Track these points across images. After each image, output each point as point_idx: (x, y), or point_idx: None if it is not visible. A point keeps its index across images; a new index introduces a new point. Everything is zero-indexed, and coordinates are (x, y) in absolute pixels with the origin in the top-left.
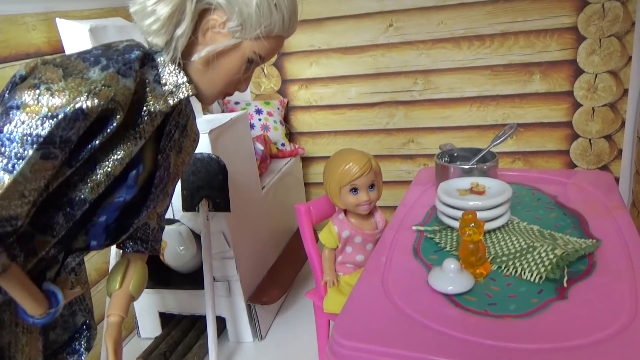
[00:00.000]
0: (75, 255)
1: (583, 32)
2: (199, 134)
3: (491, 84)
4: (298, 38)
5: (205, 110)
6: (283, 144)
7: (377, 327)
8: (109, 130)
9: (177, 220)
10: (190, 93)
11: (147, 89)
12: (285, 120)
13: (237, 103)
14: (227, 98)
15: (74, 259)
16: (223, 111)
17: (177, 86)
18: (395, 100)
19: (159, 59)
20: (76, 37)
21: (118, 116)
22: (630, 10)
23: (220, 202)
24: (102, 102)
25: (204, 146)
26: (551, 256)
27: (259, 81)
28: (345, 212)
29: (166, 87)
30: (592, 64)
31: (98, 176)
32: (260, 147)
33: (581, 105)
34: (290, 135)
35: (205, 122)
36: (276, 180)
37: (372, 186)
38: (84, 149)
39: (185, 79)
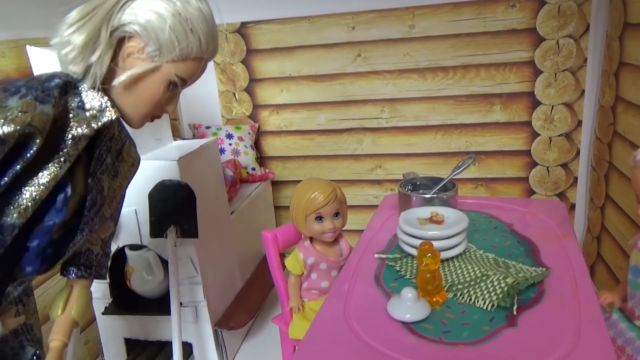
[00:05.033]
0: (17, 284)
1: (540, 66)
2: (138, 158)
3: (454, 113)
4: (269, 65)
5: (176, 135)
6: (253, 169)
7: (337, 356)
8: (28, 155)
9: (145, 246)
10: (114, 116)
11: (71, 114)
12: (256, 144)
13: (208, 127)
14: (197, 122)
15: (16, 288)
16: (194, 135)
17: (101, 110)
18: (363, 127)
19: (81, 86)
20: (46, 64)
21: (37, 140)
22: (582, 47)
23: (189, 228)
24: (18, 128)
25: (172, 173)
26: (503, 285)
27: (231, 106)
28: (311, 239)
29: (90, 112)
30: (549, 96)
31: (24, 201)
32: (230, 172)
33: (539, 134)
34: (261, 160)
35: (174, 148)
36: (246, 204)
37: (337, 214)
38: (6, 174)
39: (108, 103)
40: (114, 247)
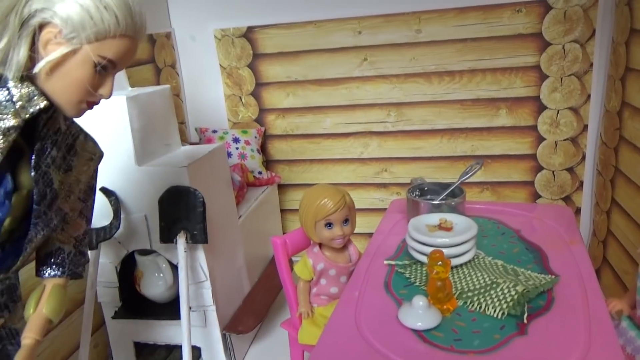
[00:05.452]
0: None
1: (545, 71)
2: (98, 153)
3: (460, 117)
4: (275, 69)
5: (182, 139)
6: (260, 172)
7: None
8: None
9: (154, 251)
10: (42, 105)
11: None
12: (262, 148)
13: (214, 131)
14: (204, 126)
15: None
16: (201, 139)
17: (29, 100)
18: (369, 130)
19: (8, 80)
20: None
21: None
22: (588, 52)
23: (198, 234)
24: None
25: (182, 179)
26: (513, 293)
27: (237, 110)
28: (320, 245)
29: (18, 104)
30: (554, 100)
31: None
32: (237, 177)
33: (545, 139)
34: (267, 164)
35: (183, 153)
36: (253, 208)
37: (346, 221)
38: None
39: (36, 92)
40: (123, 252)
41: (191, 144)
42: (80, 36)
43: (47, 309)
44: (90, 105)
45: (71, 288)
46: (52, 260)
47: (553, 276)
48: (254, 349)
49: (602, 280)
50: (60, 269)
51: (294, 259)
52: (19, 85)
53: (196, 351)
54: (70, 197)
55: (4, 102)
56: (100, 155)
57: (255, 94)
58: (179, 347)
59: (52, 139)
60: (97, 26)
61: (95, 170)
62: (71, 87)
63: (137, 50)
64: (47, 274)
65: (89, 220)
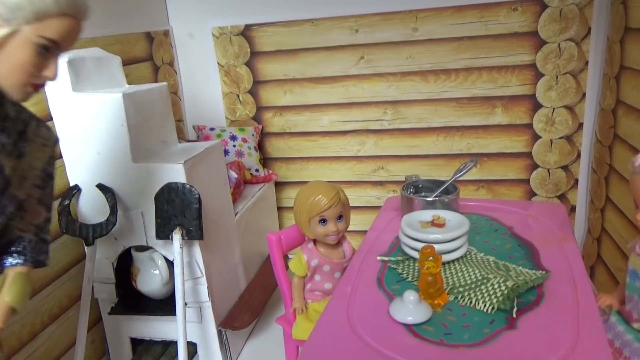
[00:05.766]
0: None
1: (541, 69)
2: (53, 139)
3: (456, 115)
4: (273, 67)
5: (180, 137)
6: (257, 170)
7: (340, 357)
8: None
9: (151, 247)
10: None
11: None
12: (260, 146)
13: (212, 129)
14: (202, 124)
15: None
16: (198, 137)
17: None
18: (366, 128)
19: None
20: None
21: None
22: (584, 51)
23: (194, 231)
24: None
25: (178, 175)
26: (503, 288)
27: (235, 108)
28: (315, 241)
29: None
30: (550, 99)
31: None
32: (234, 175)
33: (540, 137)
34: (264, 161)
35: (180, 151)
36: (249, 206)
37: (340, 217)
38: None
39: None
40: (120, 249)
41: (189, 141)
42: (18, 17)
43: (10, 297)
44: (37, 88)
45: (67, 284)
46: (13, 248)
47: (544, 272)
48: (250, 345)
49: (597, 277)
50: (22, 257)
51: (289, 255)
52: None
53: (192, 347)
54: (24, 183)
55: None
56: (54, 140)
57: (252, 92)
58: (174, 343)
59: (1, 125)
60: (35, 5)
61: (52, 157)
62: (14, 70)
63: (80, 30)
64: (8, 263)
65: (49, 207)
